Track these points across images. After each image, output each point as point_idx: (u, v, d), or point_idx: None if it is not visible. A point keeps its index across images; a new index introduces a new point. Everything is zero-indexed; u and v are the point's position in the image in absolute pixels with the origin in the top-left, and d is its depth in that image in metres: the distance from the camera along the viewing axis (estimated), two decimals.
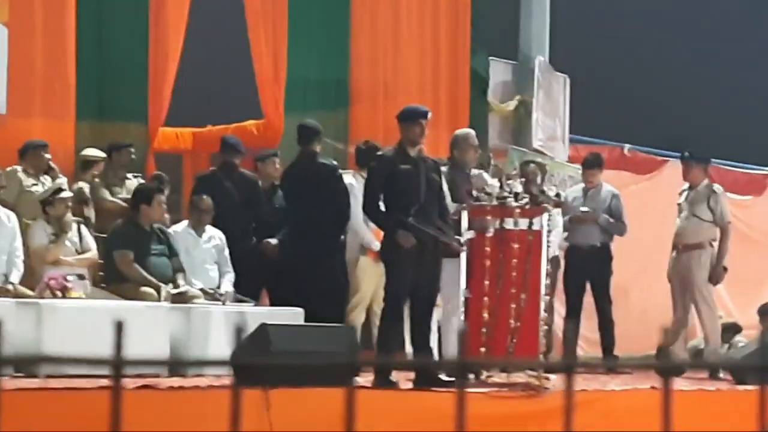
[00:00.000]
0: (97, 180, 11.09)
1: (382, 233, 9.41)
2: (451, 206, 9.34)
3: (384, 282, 9.85)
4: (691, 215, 11.31)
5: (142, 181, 11.24)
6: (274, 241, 10.72)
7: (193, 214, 10.56)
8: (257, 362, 1.83)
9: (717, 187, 11.66)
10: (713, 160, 14.29)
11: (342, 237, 10.64)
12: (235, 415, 1.83)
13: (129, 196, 10.73)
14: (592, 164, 12.13)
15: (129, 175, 11.36)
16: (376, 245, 10.53)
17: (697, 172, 11.45)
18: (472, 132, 10.88)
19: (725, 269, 11.35)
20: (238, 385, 2.00)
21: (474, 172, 10.46)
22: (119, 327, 1.84)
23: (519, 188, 9.52)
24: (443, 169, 9.59)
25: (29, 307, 8.59)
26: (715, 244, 11.30)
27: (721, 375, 10.70)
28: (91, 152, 11.21)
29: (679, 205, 11.52)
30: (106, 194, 11.03)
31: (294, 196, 10.56)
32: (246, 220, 10.93)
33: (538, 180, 11.33)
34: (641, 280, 13.98)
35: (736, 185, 16.61)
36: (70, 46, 11.83)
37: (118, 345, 1.83)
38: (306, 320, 9.41)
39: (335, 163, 10.91)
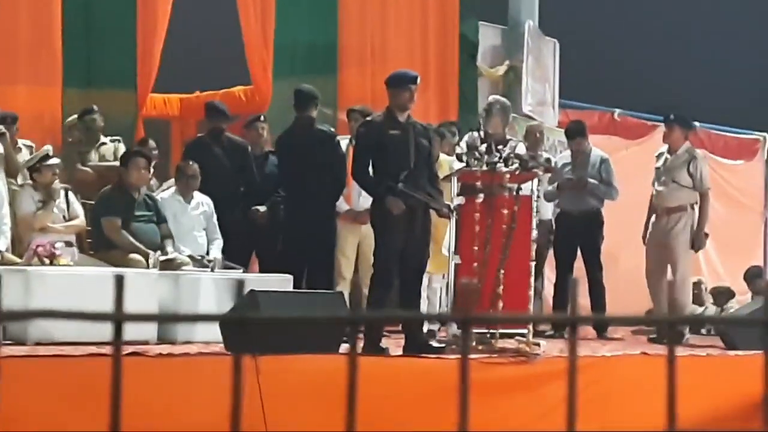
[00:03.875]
0: (70, 144, 11.01)
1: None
2: None
3: (365, 245, 9.78)
4: (670, 181, 11.18)
5: (120, 144, 11.10)
6: (263, 208, 10.68)
7: (180, 180, 10.50)
8: (256, 318, 1.77)
9: (697, 152, 11.56)
10: (705, 124, 14.25)
11: (336, 204, 10.59)
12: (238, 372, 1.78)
13: (100, 162, 10.73)
14: (574, 134, 11.93)
15: (106, 140, 11.17)
16: (345, 207, 10.54)
17: (678, 136, 11.30)
18: None
19: (707, 235, 11.26)
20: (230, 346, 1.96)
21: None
22: (120, 281, 1.78)
23: (522, 149, 9.51)
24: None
25: (17, 274, 8.53)
26: (696, 207, 11.18)
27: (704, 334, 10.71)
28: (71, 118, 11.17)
29: (657, 169, 11.37)
30: (78, 165, 10.95)
31: (289, 162, 10.45)
32: (235, 186, 10.87)
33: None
34: (631, 245, 13.93)
35: (727, 150, 16.61)
36: (56, 11, 11.73)
37: (119, 300, 1.77)
38: (295, 287, 9.37)
39: (333, 129, 10.84)
